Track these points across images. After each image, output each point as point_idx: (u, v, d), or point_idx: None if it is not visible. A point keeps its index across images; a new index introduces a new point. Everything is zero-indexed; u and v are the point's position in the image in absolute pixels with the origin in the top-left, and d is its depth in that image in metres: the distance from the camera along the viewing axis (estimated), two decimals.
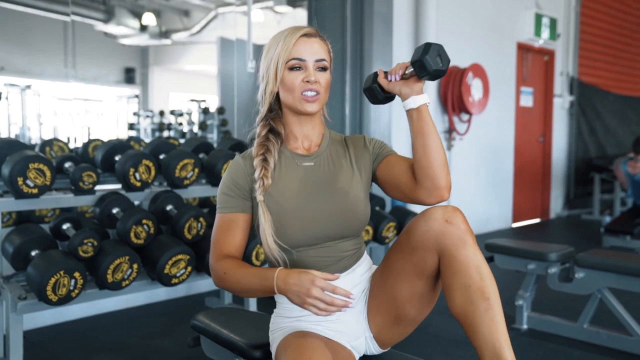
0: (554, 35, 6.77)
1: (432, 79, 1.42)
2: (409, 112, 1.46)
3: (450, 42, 5.46)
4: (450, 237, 1.40)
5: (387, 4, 4.67)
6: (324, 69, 1.53)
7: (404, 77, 1.46)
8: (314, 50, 1.51)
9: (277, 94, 1.56)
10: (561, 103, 7.28)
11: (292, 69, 1.50)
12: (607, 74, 8.13)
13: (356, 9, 4.62)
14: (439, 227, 1.42)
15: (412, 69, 1.44)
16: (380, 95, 1.54)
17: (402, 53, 4.99)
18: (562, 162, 7.46)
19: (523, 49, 6.63)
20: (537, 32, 6.48)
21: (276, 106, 1.58)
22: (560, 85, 7.26)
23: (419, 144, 1.44)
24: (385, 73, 1.52)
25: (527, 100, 6.83)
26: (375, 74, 1.54)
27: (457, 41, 5.60)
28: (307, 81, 1.49)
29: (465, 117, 5.67)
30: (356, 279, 1.59)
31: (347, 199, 1.53)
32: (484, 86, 5.65)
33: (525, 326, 3.06)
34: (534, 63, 6.89)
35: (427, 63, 1.38)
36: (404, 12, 5.02)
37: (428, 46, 1.39)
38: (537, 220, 7.16)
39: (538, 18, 6.47)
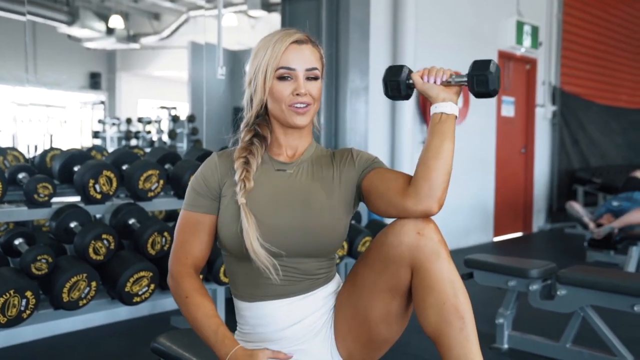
0: (535, 43, 6.73)
1: (483, 97, 1.41)
2: (437, 114, 1.42)
3: (430, 49, 5.39)
4: (423, 250, 1.34)
5: (363, 10, 4.60)
6: (315, 78, 1.45)
7: (445, 83, 1.44)
8: (305, 59, 1.43)
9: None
10: (543, 113, 7.23)
11: (280, 78, 1.42)
12: (590, 84, 8.11)
13: (331, 15, 4.53)
14: (411, 240, 1.35)
15: (460, 79, 1.42)
16: (404, 91, 1.49)
17: (379, 60, 4.90)
18: (544, 174, 7.40)
19: (504, 57, 6.58)
20: (519, 40, 6.43)
21: (263, 112, 1.49)
22: (542, 94, 7.21)
23: (435, 144, 1.38)
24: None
25: (508, 110, 6.77)
26: (407, 69, 1.49)
27: (437, 48, 5.54)
28: (297, 94, 1.41)
29: None
30: (320, 301, 1.49)
31: (319, 214, 1.43)
32: (464, 95, 5.58)
33: (505, 345, 2.97)
34: (515, 72, 6.85)
35: (492, 81, 1.38)
36: (381, 18, 4.94)
37: (491, 64, 1.38)
38: (519, 234, 7.08)
39: (520, 26, 6.43)
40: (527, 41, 6.57)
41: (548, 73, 7.25)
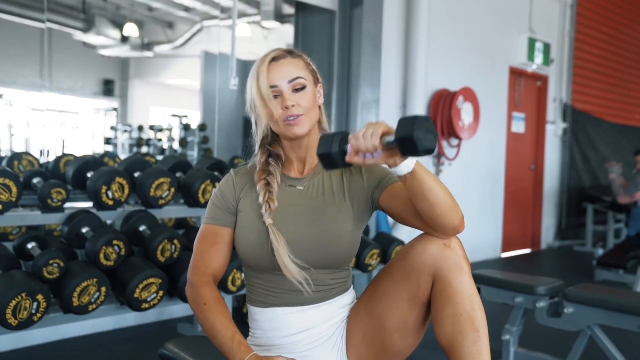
0: (547, 60, 6.73)
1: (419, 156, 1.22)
2: (403, 178, 1.29)
3: (441, 64, 5.40)
4: (447, 261, 1.37)
5: (376, 24, 4.61)
6: (301, 88, 1.46)
7: (384, 149, 1.25)
8: (284, 73, 1.45)
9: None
10: (554, 130, 7.21)
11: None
12: (601, 102, 8.07)
13: (344, 28, 4.55)
14: (437, 250, 1.38)
15: (391, 140, 1.22)
16: (342, 165, 1.30)
17: (390, 74, 4.91)
18: (554, 191, 7.36)
19: (516, 74, 6.57)
20: (531, 57, 6.43)
21: (270, 131, 1.53)
22: (553, 111, 7.19)
23: (422, 202, 1.31)
24: (346, 144, 1.29)
25: (519, 126, 6.76)
26: (340, 140, 1.29)
27: (448, 64, 5.54)
28: (286, 107, 1.44)
29: (454, 142, 5.59)
30: (334, 311, 1.52)
31: (328, 229, 1.45)
32: (475, 111, 5.58)
33: None
34: (526, 88, 6.84)
35: (420, 142, 1.17)
36: (394, 32, 4.95)
37: (417, 121, 1.18)
38: (527, 251, 7.03)
39: (532, 43, 6.43)
40: (538, 58, 6.56)
41: (559, 90, 7.23)
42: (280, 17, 5.23)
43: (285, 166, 1.55)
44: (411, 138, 1.17)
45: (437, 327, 1.39)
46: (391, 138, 1.22)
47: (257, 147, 1.55)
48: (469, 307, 1.35)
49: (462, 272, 1.36)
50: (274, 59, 1.46)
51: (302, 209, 1.48)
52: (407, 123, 1.18)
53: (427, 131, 1.17)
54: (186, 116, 5.61)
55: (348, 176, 1.53)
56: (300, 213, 1.47)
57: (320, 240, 1.44)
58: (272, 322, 1.49)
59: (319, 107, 1.53)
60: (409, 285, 1.42)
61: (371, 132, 1.23)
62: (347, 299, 1.55)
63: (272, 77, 1.44)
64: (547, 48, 6.70)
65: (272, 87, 1.44)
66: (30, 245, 2.71)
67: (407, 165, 1.26)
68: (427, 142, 1.17)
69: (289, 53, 1.49)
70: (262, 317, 1.51)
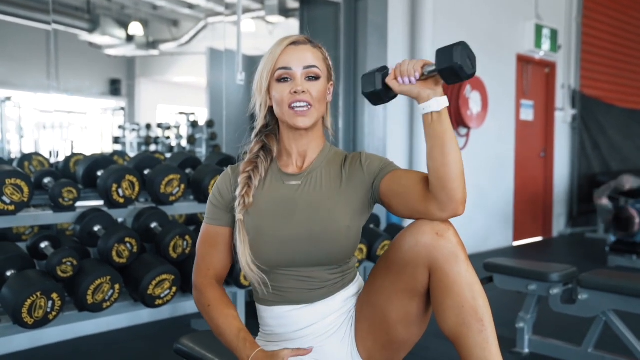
0: (555, 46, 6.68)
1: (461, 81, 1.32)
2: (428, 115, 1.32)
3: None
4: (441, 252, 1.32)
5: (381, 14, 4.59)
6: (315, 77, 1.43)
7: (422, 78, 1.32)
8: (303, 58, 1.42)
9: (272, 108, 1.49)
10: (563, 117, 7.16)
11: (280, 80, 1.42)
12: (610, 87, 7.97)
13: (350, 20, 4.53)
14: (429, 241, 1.32)
15: (431, 69, 1.30)
16: (386, 97, 1.39)
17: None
18: (564, 178, 7.31)
19: (523, 61, 6.53)
20: (538, 44, 6.39)
21: (272, 121, 1.51)
22: (561, 98, 7.14)
23: (437, 151, 1.30)
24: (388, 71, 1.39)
25: (527, 114, 6.71)
26: (382, 73, 1.37)
27: None
28: (295, 92, 1.40)
29: (463, 131, 5.56)
30: (338, 304, 1.49)
31: (326, 224, 1.42)
32: (483, 99, 5.55)
33: (526, 350, 2.94)
34: (534, 75, 6.79)
35: (461, 70, 1.25)
36: (399, 22, 4.93)
37: (456, 48, 1.25)
38: (539, 239, 6.99)
39: (538, 29, 6.38)
40: (546, 44, 6.51)
41: (567, 76, 7.17)
42: (285, 11, 5.21)
43: (283, 161, 1.51)
44: (451, 66, 1.25)
45: (440, 319, 1.35)
46: (431, 67, 1.30)
47: (253, 134, 1.52)
48: (470, 296, 1.31)
49: (457, 261, 1.31)
50: (294, 43, 1.44)
51: (298, 205, 1.45)
52: (446, 52, 1.26)
53: (465, 57, 1.26)
54: (193, 113, 5.63)
55: (347, 169, 1.49)
56: (295, 210, 1.44)
57: (317, 236, 1.41)
58: (277, 319, 1.49)
59: (327, 103, 1.50)
60: (405, 278, 1.38)
61: (414, 61, 1.32)
62: (352, 290, 1.53)
63: (289, 59, 1.42)
64: (554, 34, 6.64)
65: (285, 68, 1.41)
66: (43, 245, 2.73)
67: (438, 102, 1.31)
68: (466, 68, 1.26)
69: (309, 41, 1.47)
70: (268, 315, 1.50)
